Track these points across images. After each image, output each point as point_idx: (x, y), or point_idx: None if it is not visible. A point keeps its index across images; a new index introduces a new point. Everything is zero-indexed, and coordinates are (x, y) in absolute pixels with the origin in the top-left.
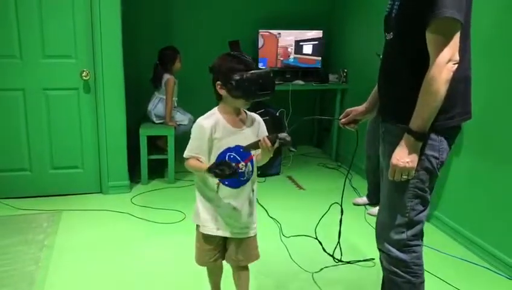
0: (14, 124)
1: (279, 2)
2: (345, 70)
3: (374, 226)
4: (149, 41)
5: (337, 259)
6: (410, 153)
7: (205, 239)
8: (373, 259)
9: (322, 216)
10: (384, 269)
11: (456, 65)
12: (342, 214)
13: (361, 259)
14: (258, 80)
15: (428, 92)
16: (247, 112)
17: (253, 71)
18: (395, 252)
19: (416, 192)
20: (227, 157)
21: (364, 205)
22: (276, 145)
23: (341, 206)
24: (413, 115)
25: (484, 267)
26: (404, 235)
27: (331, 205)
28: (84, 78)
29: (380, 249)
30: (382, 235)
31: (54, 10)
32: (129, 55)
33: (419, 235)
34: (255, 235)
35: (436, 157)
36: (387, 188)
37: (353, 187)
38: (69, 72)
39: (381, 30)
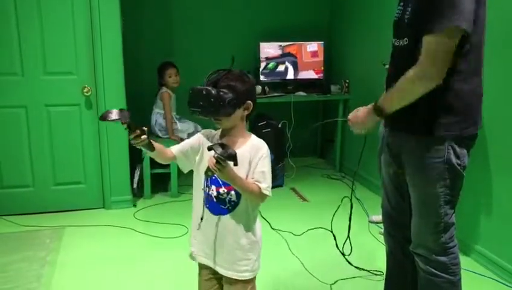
0: (16, 141)
1: (279, 15)
2: (347, 80)
3: (380, 238)
4: (150, 56)
5: (347, 259)
6: (364, 114)
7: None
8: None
9: (336, 210)
10: (420, 269)
11: (433, 84)
12: (351, 208)
13: (373, 269)
14: (191, 95)
15: (405, 90)
16: (254, 137)
17: (197, 87)
18: (435, 256)
19: (446, 198)
20: (209, 179)
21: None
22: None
23: (351, 200)
24: (385, 94)
25: (489, 277)
26: (442, 239)
27: (342, 199)
28: (86, 94)
29: (415, 253)
30: (418, 241)
31: (55, 27)
32: (130, 70)
33: (454, 235)
34: (244, 283)
35: (458, 164)
36: (417, 198)
37: (357, 198)
38: (70, 88)
39: (382, 39)
